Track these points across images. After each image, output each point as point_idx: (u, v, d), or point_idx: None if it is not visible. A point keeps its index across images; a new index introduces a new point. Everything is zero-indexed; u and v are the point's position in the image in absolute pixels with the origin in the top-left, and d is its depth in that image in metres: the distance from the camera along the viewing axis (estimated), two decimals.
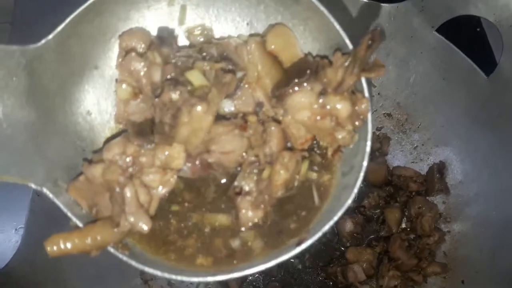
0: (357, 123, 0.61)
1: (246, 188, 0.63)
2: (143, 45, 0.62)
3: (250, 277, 0.96)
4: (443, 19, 0.93)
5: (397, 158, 1.08)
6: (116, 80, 0.66)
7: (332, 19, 0.62)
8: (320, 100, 0.59)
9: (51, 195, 0.59)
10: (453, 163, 1.01)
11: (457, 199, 1.00)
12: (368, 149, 0.62)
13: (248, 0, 0.66)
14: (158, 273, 0.60)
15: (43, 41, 0.60)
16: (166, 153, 0.59)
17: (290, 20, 0.65)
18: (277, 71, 0.64)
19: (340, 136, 0.61)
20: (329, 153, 0.66)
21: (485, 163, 0.95)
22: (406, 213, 1.01)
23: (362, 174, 0.63)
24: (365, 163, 0.63)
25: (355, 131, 0.63)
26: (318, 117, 0.60)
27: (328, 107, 0.59)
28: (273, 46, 0.63)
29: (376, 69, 0.57)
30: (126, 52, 0.62)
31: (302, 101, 0.60)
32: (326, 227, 0.63)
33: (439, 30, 0.95)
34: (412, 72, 1.03)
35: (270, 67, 0.63)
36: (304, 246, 0.63)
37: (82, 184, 0.59)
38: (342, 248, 0.98)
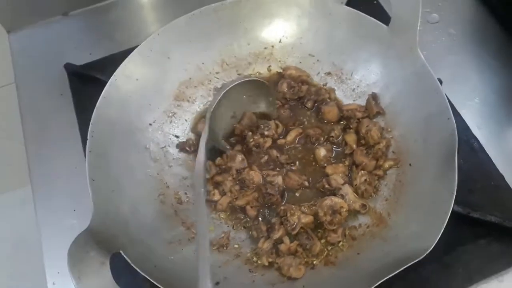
0: None
1: None
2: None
3: None
4: None
5: (343, 101, 1.45)
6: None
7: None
8: None
9: None
10: (382, 92, 1.39)
11: (391, 115, 1.33)
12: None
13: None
14: None
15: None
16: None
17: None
18: None
19: None
20: None
21: (402, 85, 1.33)
22: (360, 134, 1.36)
23: None
24: None
25: None
26: None
27: None
28: None
29: None
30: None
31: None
32: None
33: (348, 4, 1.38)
34: (336, 39, 1.43)
35: None
36: None
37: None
38: (323, 167, 1.31)
